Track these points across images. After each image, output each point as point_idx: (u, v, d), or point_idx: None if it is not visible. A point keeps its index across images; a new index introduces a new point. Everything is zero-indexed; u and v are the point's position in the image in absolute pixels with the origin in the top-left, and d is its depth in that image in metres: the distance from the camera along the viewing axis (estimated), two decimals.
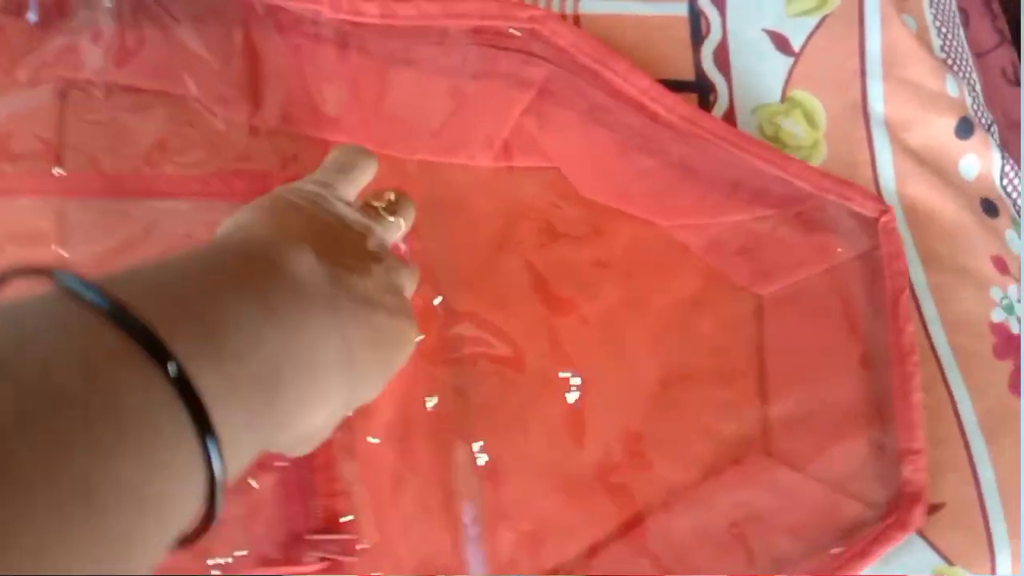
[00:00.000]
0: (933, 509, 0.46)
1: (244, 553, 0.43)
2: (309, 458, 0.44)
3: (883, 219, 0.46)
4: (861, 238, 0.49)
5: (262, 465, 0.44)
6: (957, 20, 0.57)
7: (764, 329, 0.50)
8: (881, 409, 0.47)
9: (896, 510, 0.46)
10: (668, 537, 0.48)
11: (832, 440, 0.49)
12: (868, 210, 0.47)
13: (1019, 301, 0.49)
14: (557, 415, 0.48)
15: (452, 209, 0.49)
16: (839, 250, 0.49)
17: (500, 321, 0.49)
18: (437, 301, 0.47)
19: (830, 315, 0.49)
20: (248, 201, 0.34)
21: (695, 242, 0.51)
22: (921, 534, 0.46)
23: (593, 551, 0.48)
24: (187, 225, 0.44)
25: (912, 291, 0.49)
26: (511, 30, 0.46)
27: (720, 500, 0.49)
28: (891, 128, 0.53)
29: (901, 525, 0.45)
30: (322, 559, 0.43)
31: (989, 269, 0.49)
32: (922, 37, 0.55)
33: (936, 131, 0.53)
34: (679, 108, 0.47)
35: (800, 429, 0.48)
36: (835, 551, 0.45)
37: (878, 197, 0.49)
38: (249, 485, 0.44)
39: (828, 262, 0.49)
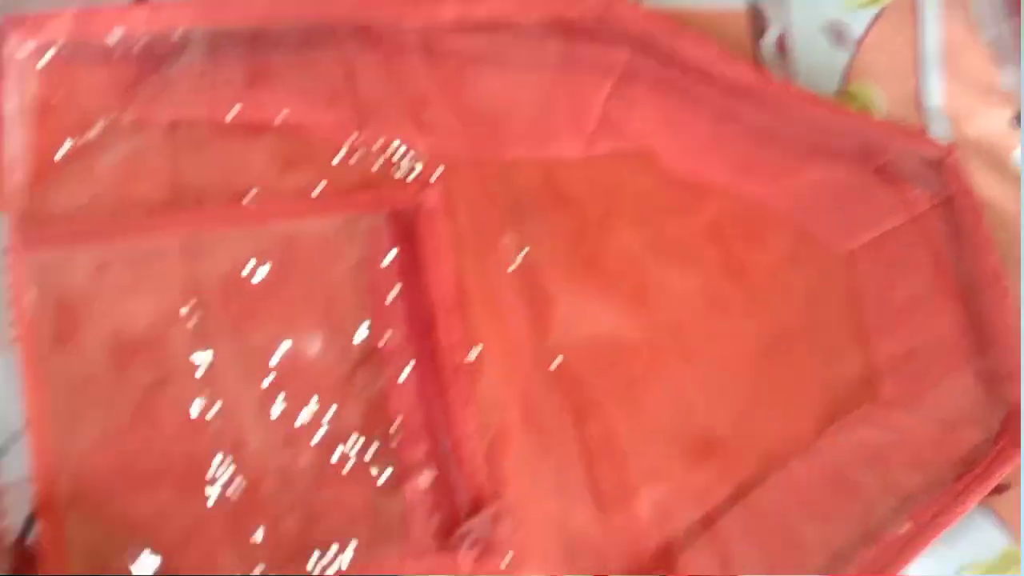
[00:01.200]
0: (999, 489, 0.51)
1: (399, 547, 0.49)
2: (452, 455, 0.48)
3: (948, 159, 0.51)
4: (936, 184, 0.53)
5: (413, 467, 0.48)
6: (1009, 9, 0.61)
7: (857, 280, 0.54)
8: (980, 338, 0.52)
9: (1008, 431, 0.50)
10: (793, 489, 0.53)
11: (937, 376, 0.53)
12: (935, 152, 0.52)
13: None
14: (677, 385, 0.53)
15: (549, 202, 0.54)
16: (918, 198, 0.54)
17: (606, 300, 0.54)
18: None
19: (919, 260, 0.53)
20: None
21: (782, 204, 0.55)
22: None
23: (717, 513, 0.53)
24: (318, 241, 0.49)
25: None
26: (583, 18, 0.50)
27: (837, 447, 0.53)
28: (948, 119, 0.58)
29: (1015, 443, 0.49)
30: (475, 543, 0.47)
31: None
32: (976, 27, 0.59)
33: (992, 122, 0.58)
34: (752, 73, 0.52)
35: (904, 371, 0.53)
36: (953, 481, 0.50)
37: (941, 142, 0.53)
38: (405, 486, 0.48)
39: (910, 211, 0.53)
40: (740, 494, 0.53)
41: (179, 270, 0.48)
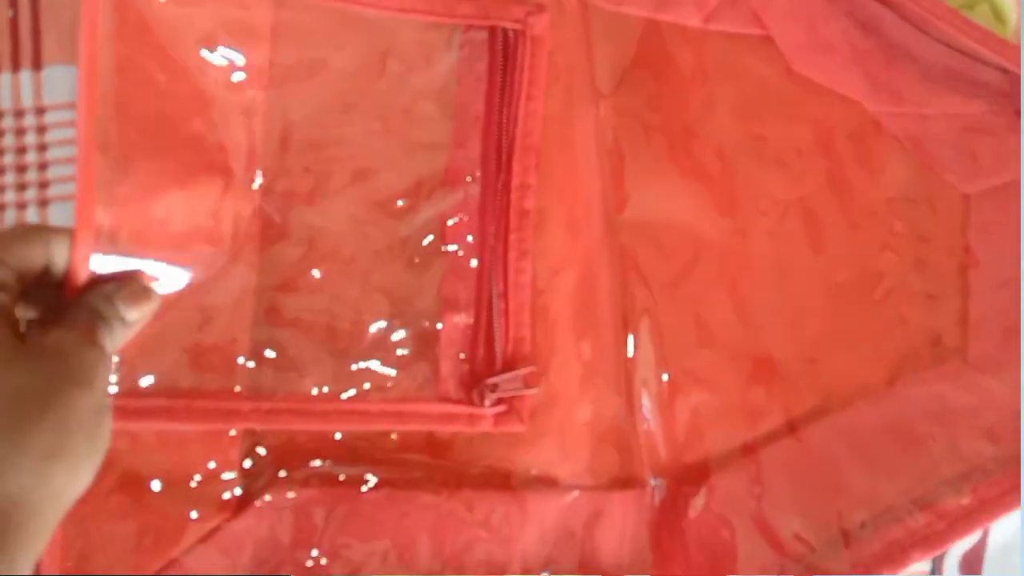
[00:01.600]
0: None
1: (423, 388, 0.46)
2: (499, 301, 0.45)
3: None
4: None
5: (453, 305, 0.45)
6: None
7: (970, 228, 0.49)
8: None
9: None
10: (850, 434, 0.49)
11: None
12: None
13: None
14: (745, 296, 0.50)
15: (653, 70, 0.50)
16: None
17: (691, 190, 0.50)
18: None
19: None
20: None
21: (905, 131, 0.51)
22: None
23: (763, 440, 0.49)
24: (394, 42, 0.47)
25: None
26: None
27: (909, 399, 0.49)
28: None
29: None
30: (498, 400, 0.44)
31: None
32: None
33: None
34: None
35: (1001, 333, 0.48)
36: None
37: None
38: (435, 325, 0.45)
39: None
40: (791, 427, 0.49)
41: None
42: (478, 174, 0.45)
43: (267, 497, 0.43)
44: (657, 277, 0.49)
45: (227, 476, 0.42)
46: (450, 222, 0.46)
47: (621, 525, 0.46)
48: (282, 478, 0.44)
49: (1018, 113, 0.49)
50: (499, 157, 0.45)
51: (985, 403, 0.48)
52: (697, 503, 0.47)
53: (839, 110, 0.51)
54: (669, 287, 0.49)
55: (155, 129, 0.40)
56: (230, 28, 0.43)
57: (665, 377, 0.49)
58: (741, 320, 0.50)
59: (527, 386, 0.44)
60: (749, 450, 0.49)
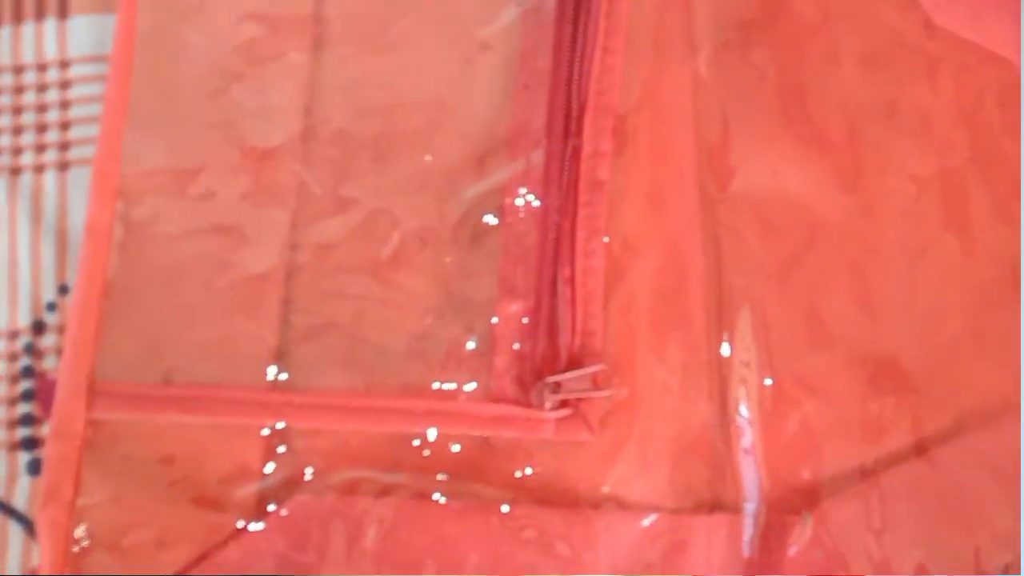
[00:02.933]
0: None
1: (474, 386, 0.42)
2: (564, 288, 0.42)
3: None
4: None
5: (510, 291, 0.42)
6: None
7: None
8: None
9: None
10: (991, 457, 0.44)
11: None
12: None
13: None
14: (869, 288, 0.45)
15: (769, 15, 0.47)
16: None
17: (805, 159, 0.46)
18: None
19: None
20: None
21: None
22: None
23: (886, 461, 0.44)
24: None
25: None
26: None
27: None
28: None
29: None
30: (562, 403, 0.41)
31: None
32: None
33: None
34: None
35: None
36: None
37: None
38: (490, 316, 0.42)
39: None
40: (920, 448, 0.44)
41: None
42: (543, 139, 0.41)
43: (291, 505, 0.41)
44: (763, 263, 0.45)
45: (251, 478, 0.38)
46: (511, 196, 0.42)
47: (707, 557, 0.42)
48: (310, 484, 0.41)
49: None
50: (568, 120, 0.42)
51: None
52: (802, 534, 0.43)
53: (988, 70, 0.46)
54: (777, 275, 0.45)
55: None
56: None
57: (769, 382, 0.44)
58: (864, 317, 0.45)
59: (597, 387, 0.40)
60: (868, 473, 0.44)
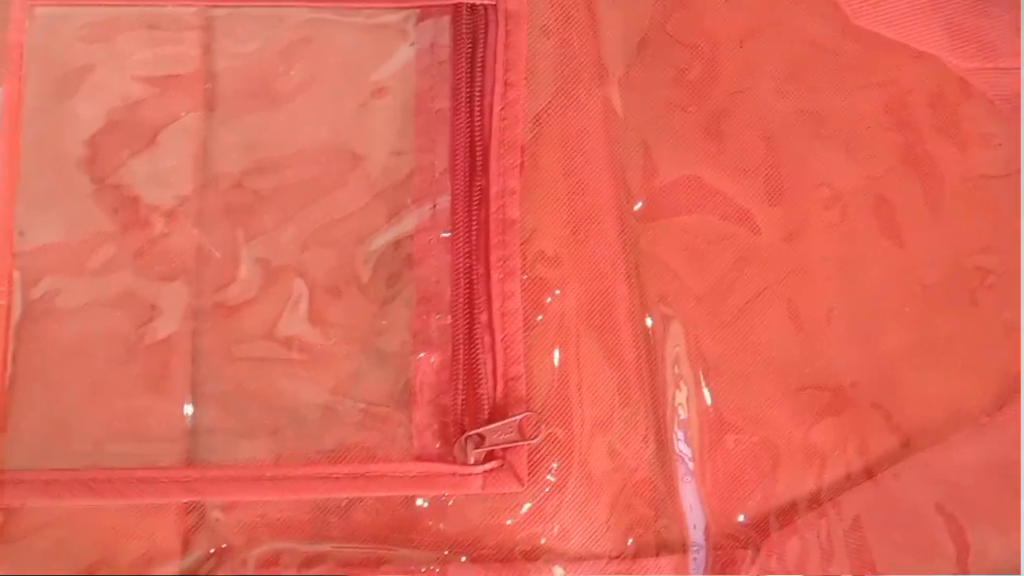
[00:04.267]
0: None
1: (394, 445, 0.43)
2: (483, 335, 0.43)
3: None
4: None
5: (426, 342, 0.43)
6: None
7: None
8: None
9: None
10: (945, 477, 0.45)
11: None
12: None
13: None
14: (804, 307, 0.46)
15: (682, 33, 0.48)
16: None
17: (726, 177, 0.47)
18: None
19: None
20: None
21: (1000, 90, 0.47)
22: None
23: (833, 489, 0.45)
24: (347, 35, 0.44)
25: None
26: None
27: (1016, 432, 0.44)
28: None
29: None
30: (488, 455, 0.42)
31: None
32: None
33: None
34: None
35: None
36: None
37: None
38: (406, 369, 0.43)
39: None
40: (869, 471, 0.45)
41: (196, 45, 0.44)
42: (448, 182, 0.42)
43: None
44: (692, 289, 0.46)
45: (170, 557, 0.39)
46: (419, 243, 0.42)
47: None
48: (230, 560, 0.42)
49: None
50: (472, 159, 0.43)
51: None
52: (751, 568, 0.43)
53: (914, 70, 0.47)
54: (707, 300, 0.46)
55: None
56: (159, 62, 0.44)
57: (706, 414, 0.45)
58: (801, 338, 0.46)
59: (524, 436, 0.41)
60: (817, 501, 0.45)
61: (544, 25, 0.45)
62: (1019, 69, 0.46)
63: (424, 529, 0.42)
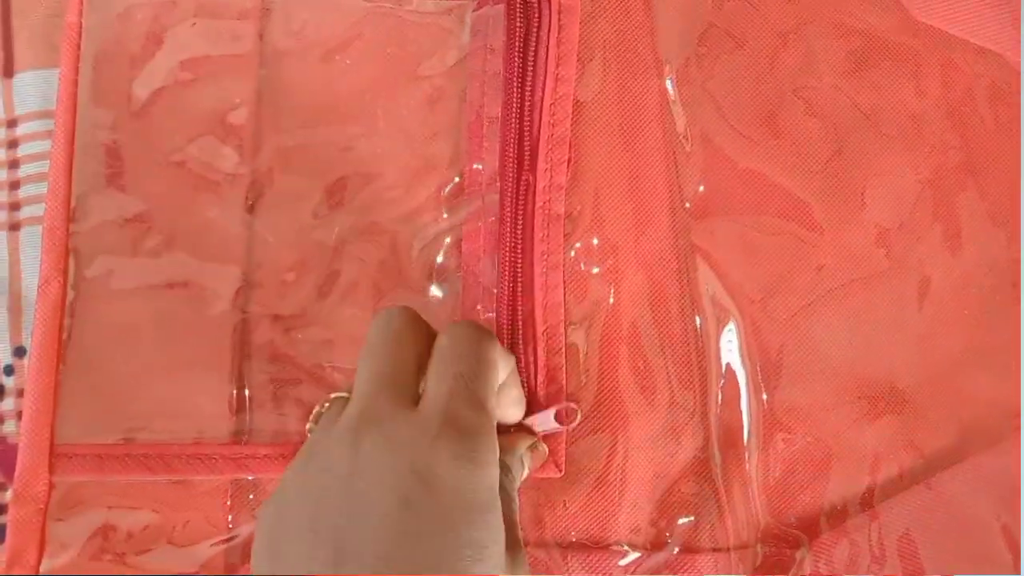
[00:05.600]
0: None
1: None
2: (524, 326, 0.45)
3: None
4: None
5: None
6: None
7: None
8: None
9: None
10: (995, 478, 0.46)
11: None
12: None
13: None
14: (861, 307, 0.47)
15: (739, 25, 0.49)
16: None
17: (780, 174, 0.48)
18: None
19: None
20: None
21: None
22: None
23: (887, 489, 0.47)
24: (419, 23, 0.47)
25: None
26: None
27: None
28: None
29: None
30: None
31: None
32: None
33: None
34: None
35: None
36: None
37: None
38: None
39: None
40: (924, 472, 0.47)
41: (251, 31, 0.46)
42: (497, 176, 0.45)
43: None
44: (745, 288, 0.48)
45: (217, 534, 0.42)
46: (468, 236, 0.45)
47: None
48: None
49: None
50: (521, 154, 0.45)
51: None
52: (799, 570, 0.44)
53: (975, 66, 0.49)
54: (761, 299, 0.48)
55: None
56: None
57: (759, 412, 0.47)
58: (857, 338, 0.48)
59: (562, 424, 0.43)
60: (869, 502, 0.47)
61: (593, 16, 0.47)
62: None
63: None
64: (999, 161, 0.48)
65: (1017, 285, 0.47)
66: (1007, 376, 0.46)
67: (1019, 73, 0.48)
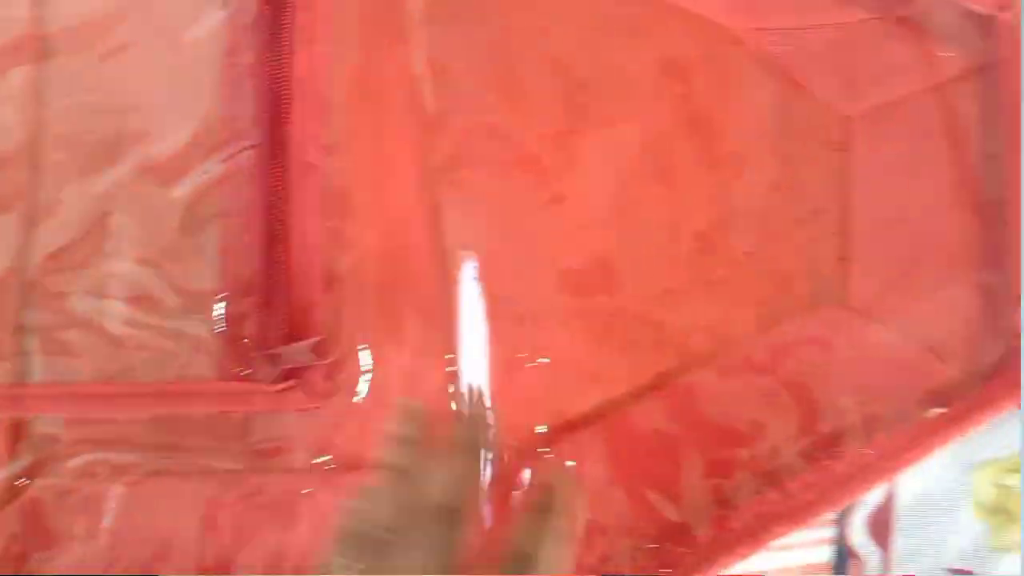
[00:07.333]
0: None
1: (206, 369, 0.49)
2: (281, 267, 0.49)
3: (1003, 15, 0.45)
4: (976, 47, 0.51)
5: (233, 277, 0.49)
6: None
7: (852, 158, 0.50)
8: (992, 251, 0.50)
9: (1004, 370, 0.47)
10: (718, 391, 0.52)
11: (928, 290, 0.52)
12: (985, 6, 0.49)
13: None
14: (585, 245, 0.52)
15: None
16: (947, 60, 0.51)
17: (520, 127, 0.53)
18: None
19: (933, 139, 0.51)
20: None
21: (771, 49, 0.54)
22: None
23: (623, 401, 0.51)
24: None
25: None
26: None
27: (784, 351, 0.52)
28: None
29: (1009, 387, 0.46)
30: (288, 375, 0.47)
31: None
32: None
33: None
34: None
35: (888, 276, 0.48)
36: (925, 414, 0.48)
37: None
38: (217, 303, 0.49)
39: (934, 77, 0.49)
40: (652, 387, 0.52)
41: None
42: (254, 130, 0.49)
43: (32, 490, 0.47)
44: (487, 231, 0.52)
45: None
46: (226, 187, 0.49)
47: None
48: (52, 468, 0.48)
49: (902, 20, 0.49)
50: (278, 109, 0.49)
51: (872, 355, 0.51)
52: (530, 478, 0.49)
53: (696, 30, 0.53)
54: (506, 240, 0.52)
55: None
56: None
57: (500, 343, 0.50)
58: (591, 272, 0.53)
59: (318, 357, 0.46)
60: (601, 415, 0.51)
61: None
62: (788, 29, 0.53)
63: (231, 442, 0.49)
64: (716, 115, 0.54)
65: (729, 221, 0.53)
66: (728, 305, 0.53)
67: (735, 37, 0.53)
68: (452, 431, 0.39)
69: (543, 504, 0.38)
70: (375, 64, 0.52)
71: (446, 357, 0.50)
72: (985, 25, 0.50)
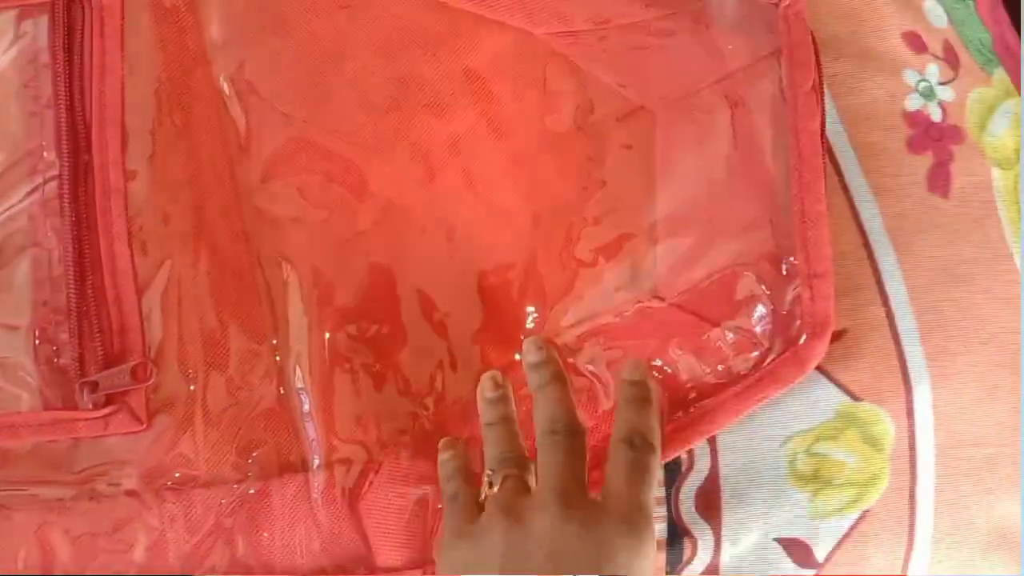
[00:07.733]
0: (832, 337, 0.49)
1: (28, 400, 0.49)
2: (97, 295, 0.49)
3: (784, 3, 0.47)
4: (767, 38, 0.52)
5: (45, 306, 0.50)
6: None
7: (653, 151, 0.52)
8: (781, 228, 0.51)
9: (794, 343, 0.47)
10: None
11: (719, 268, 0.51)
12: None
13: (942, 83, 0.50)
14: (401, 251, 0.53)
15: (275, 14, 0.54)
16: (735, 52, 0.53)
17: (332, 146, 0.53)
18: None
19: (725, 126, 0.51)
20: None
21: (573, 52, 0.54)
22: (820, 368, 0.49)
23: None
24: None
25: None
26: None
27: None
28: None
29: (798, 362, 0.48)
30: (109, 401, 0.48)
31: (901, 49, 0.51)
32: None
33: None
34: None
35: (685, 257, 0.50)
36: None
37: None
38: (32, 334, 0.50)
39: (726, 67, 0.50)
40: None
41: None
42: (56, 160, 0.49)
43: None
44: (298, 241, 0.52)
45: None
46: (33, 217, 0.50)
47: (286, 511, 0.50)
48: None
49: (695, 16, 0.51)
50: (76, 138, 0.50)
51: (656, 331, 0.52)
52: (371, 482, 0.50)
53: (498, 35, 0.54)
54: (335, 248, 0.52)
55: None
56: None
57: (321, 353, 0.51)
58: (404, 284, 0.53)
59: (137, 380, 0.47)
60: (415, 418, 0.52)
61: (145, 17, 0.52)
62: (585, 33, 0.54)
63: (61, 470, 0.50)
64: (522, 116, 0.54)
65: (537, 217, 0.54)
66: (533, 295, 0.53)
67: (537, 40, 0.54)
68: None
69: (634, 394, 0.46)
70: (179, 87, 0.53)
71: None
72: (771, 15, 0.52)
